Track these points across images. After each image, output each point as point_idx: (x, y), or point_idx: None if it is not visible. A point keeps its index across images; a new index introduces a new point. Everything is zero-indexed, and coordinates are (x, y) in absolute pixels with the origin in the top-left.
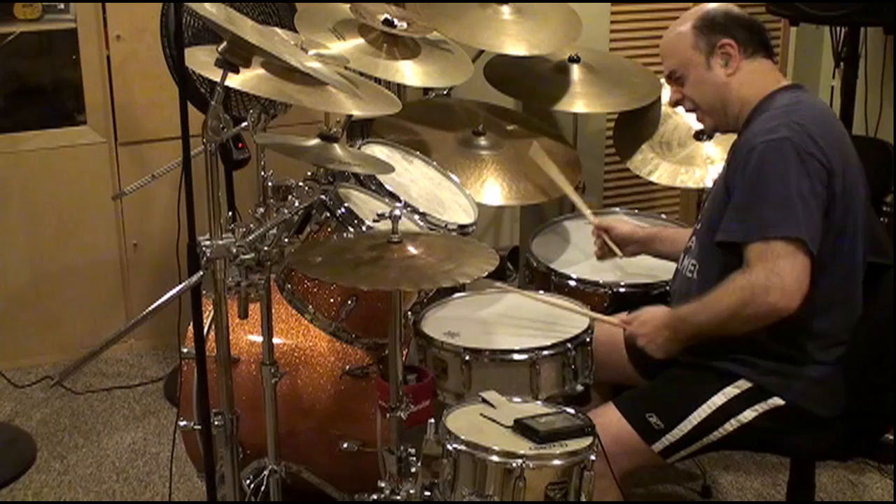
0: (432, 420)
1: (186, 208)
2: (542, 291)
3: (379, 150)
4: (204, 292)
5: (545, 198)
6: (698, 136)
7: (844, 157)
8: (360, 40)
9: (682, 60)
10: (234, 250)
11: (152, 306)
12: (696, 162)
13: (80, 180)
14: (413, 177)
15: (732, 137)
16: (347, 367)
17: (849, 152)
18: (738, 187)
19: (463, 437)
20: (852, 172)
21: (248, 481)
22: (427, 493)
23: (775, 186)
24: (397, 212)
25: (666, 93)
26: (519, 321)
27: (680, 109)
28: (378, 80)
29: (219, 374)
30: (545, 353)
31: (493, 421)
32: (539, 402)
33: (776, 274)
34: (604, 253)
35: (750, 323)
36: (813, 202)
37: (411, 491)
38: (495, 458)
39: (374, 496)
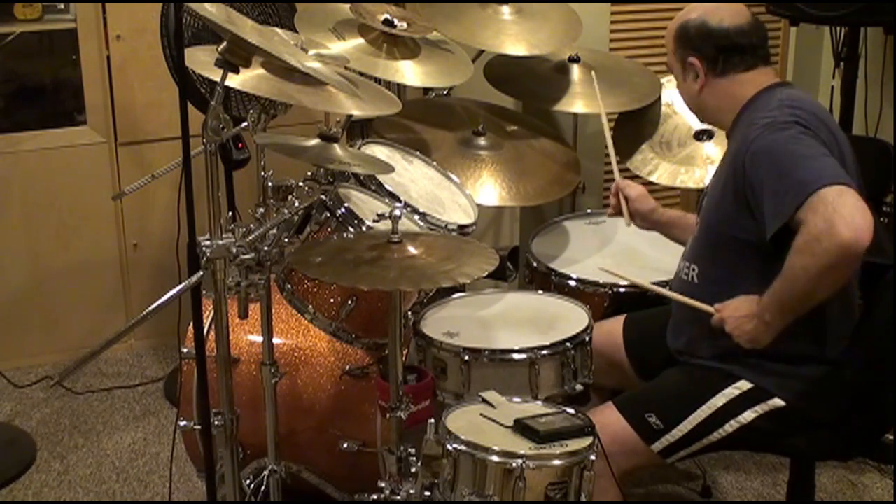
0: (432, 420)
1: (186, 208)
2: (540, 291)
3: (379, 150)
4: (204, 292)
5: (544, 199)
6: (698, 136)
7: (839, 152)
8: (360, 40)
9: (669, 60)
10: (234, 250)
11: (152, 306)
12: (696, 162)
13: (80, 180)
14: (413, 177)
15: None
16: (347, 367)
17: (843, 148)
18: (758, 181)
19: (463, 437)
20: (847, 170)
21: (248, 481)
22: (427, 493)
23: (793, 154)
24: (397, 212)
25: (666, 93)
26: (518, 321)
27: (680, 109)
28: (378, 80)
29: (219, 374)
30: (544, 352)
31: (493, 421)
32: (539, 402)
33: (831, 213)
34: (616, 212)
35: (830, 274)
36: (831, 156)
37: (411, 491)
38: (495, 458)
39: (374, 496)
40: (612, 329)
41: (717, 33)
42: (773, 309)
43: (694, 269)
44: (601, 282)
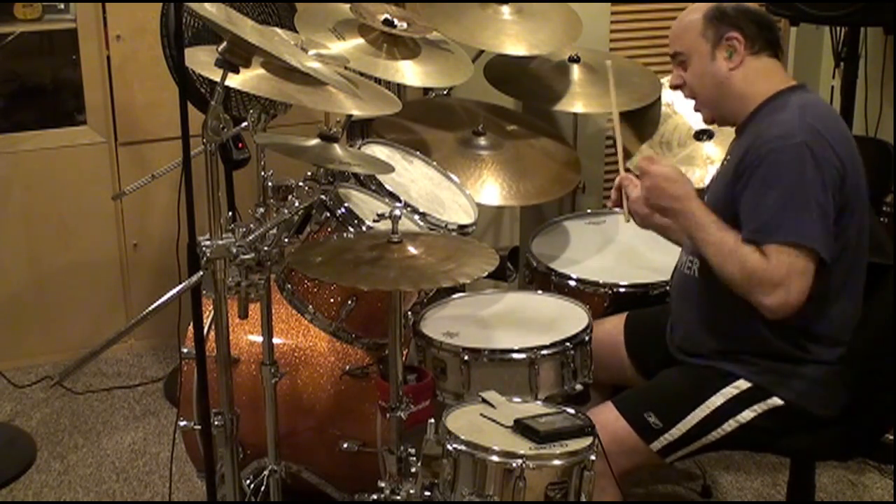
0: (432, 420)
1: (186, 208)
2: (540, 291)
3: (379, 150)
4: (204, 292)
5: (545, 198)
6: (698, 136)
7: (852, 158)
8: (360, 40)
9: (689, 46)
10: (234, 250)
11: (152, 306)
12: (696, 162)
13: (80, 180)
14: (413, 177)
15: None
16: (347, 367)
17: (855, 153)
18: (753, 185)
19: (463, 437)
20: (858, 173)
21: (248, 481)
22: (427, 493)
23: (794, 190)
24: (397, 212)
25: (666, 93)
26: (518, 321)
27: (680, 109)
28: (378, 80)
29: (219, 374)
30: (544, 352)
31: (493, 421)
32: (539, 402)
33: (787, 285)
34: (616, 204)
35: (739, 291)
36: (828, 209)
37: (411, 491)
38: (495, 458)
39: (374, 496)
40: (614, 327)
41: (755, 12)
42: (693, 230)
43: (696, 264)
44: (601, 282)
